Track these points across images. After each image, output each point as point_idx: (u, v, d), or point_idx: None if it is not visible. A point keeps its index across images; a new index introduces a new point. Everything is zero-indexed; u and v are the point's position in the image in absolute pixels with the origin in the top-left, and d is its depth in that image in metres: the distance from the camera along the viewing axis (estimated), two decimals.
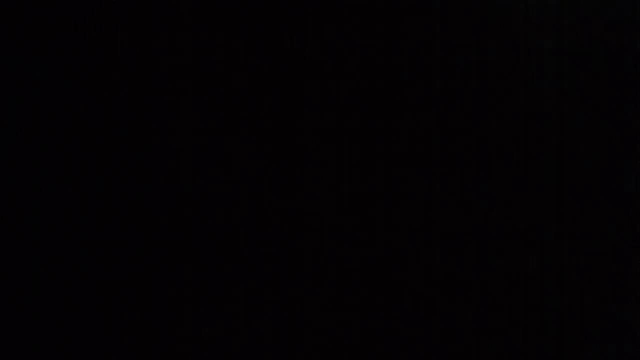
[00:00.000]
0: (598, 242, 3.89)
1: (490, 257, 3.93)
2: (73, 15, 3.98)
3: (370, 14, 4.09)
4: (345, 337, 3.91)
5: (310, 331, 3.90)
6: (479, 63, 4.04)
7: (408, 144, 4.08)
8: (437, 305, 3.91)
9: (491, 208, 3.98)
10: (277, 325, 3.91)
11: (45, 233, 3.93)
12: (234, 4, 4.05)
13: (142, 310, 3.89)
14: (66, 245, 3.92)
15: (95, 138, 4.00)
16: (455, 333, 3.89)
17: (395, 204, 4.05)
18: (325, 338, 3.90)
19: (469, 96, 4.06)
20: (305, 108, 4.08)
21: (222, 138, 4.04)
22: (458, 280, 3.93)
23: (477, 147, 4.03)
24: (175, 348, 3.88)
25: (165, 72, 4.02)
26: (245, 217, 3.99)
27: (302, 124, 4.06)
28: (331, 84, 4.08)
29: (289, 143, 4.04)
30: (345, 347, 3.90)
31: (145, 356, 3.87)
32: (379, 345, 3.91)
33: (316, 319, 3.91)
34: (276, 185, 4.03)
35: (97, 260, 3.92)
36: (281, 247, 3.97)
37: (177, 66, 4.02)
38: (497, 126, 4.03)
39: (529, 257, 3.93)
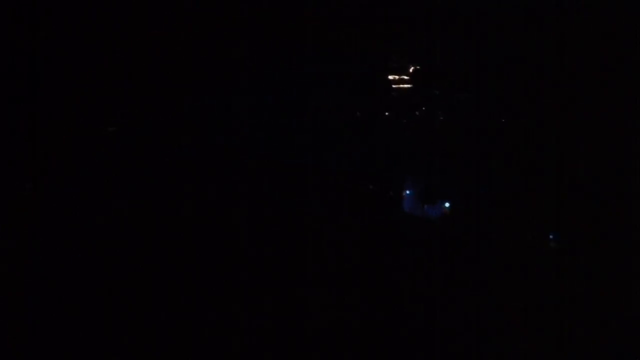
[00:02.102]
0: (598, 242, 3.89)
1: (490, 257, 3.94)
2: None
3: None
4: (344, 336, 3.91)
5: (310, 331, 3.90)
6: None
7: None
8: (437, 305, 3.92)
9: (491, 208, 3.98)
10: (277, 325, 3.91)
11: (45, 233, 3.93)
12: None
13: (142, 310, 3.89)
14: (67, 246, 3.93)
15: (94, 137, 4.00)
16: (456, 333, 3.89)
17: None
18: (325, 337, 3.90)
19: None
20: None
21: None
22: (458, 281, 3.93)
23: (476, 147, 4.03)
24: (175, 348, 3.87)
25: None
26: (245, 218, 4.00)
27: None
28: None
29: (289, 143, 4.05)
30: (345, 346, 3.90)
31: (145, 356, 3.87)
32: (379, 345, 3.91)
33: (316, 318, 3.91)
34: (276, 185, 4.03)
35: (98, 260, 3.92)
36: (281, 247, 3.98)
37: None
38: (496, 126, 4.04)
39: (530, 257, 3.94)
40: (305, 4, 4.12)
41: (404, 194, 4.14)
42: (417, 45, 4.25)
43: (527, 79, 4.04)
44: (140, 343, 3.86)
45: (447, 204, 4.08)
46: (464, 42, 4.11)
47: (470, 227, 4.04)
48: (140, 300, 3.90)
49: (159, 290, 3.92)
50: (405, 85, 4.25)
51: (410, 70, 4.26)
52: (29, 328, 3.85)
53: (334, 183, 4.11)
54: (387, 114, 4.25)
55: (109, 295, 3.89)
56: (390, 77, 4.26)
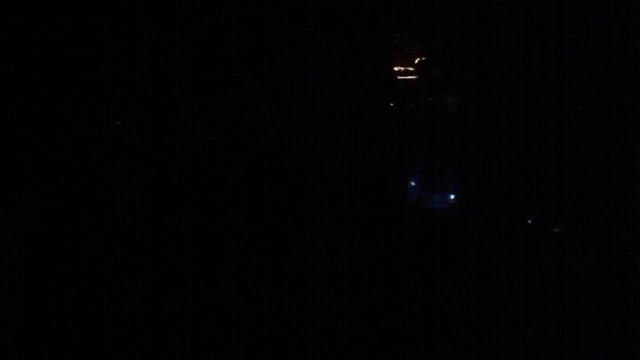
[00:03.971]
0: (598, 242, 3.88)
1: (491, 257, 3.94)
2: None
3: None
4: (344, 336, 3.92)
5: (310, 331, 3.92)
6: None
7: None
8: (437, 305, 3.92)
9: (491, 207, 3.98)
10: (277, 325, 3.92)
11: (47, 234, 3.96)
12: None
13: (142, 310, 3.92)
14: (68, 246, 3.95)
15: (95, 138, 4.01)
16: (456, 333, 3.89)
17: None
18: (324, 337, 3.91)
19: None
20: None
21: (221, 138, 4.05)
22: (458, 281, 3.93)
23: (474, 147, 4.02)
24: (175, 348, 3.89)
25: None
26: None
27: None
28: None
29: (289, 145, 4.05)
30: (345, 346, 3.92)
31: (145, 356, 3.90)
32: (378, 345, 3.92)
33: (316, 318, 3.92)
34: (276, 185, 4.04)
35: (99, 260, 3.94)
36: (282, 247, 3.98)
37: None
38: (493, 125, 4.03)
39: (530, 257, 3.93)
40: None
41: (408, 181, 4.11)
42: (419, 22, 4.18)
43: (537, 56, 3.99)
44: (140, 342, 3.90)
45: (452, 196, 4.05)
46: (470, 20, 4.05)
47: (475, 213, 4.01)
48: (139, 299, 3.93)
49: (158, 289, 3.94)
50: (409, 67, 4.19)
51: (414, 48, 4.19)
52: (29, 327, 3.89)
53: (336, 166, 4.08)
54: (390, 95, 4.20)
55: (108, 294, 3.92)
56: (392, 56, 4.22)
